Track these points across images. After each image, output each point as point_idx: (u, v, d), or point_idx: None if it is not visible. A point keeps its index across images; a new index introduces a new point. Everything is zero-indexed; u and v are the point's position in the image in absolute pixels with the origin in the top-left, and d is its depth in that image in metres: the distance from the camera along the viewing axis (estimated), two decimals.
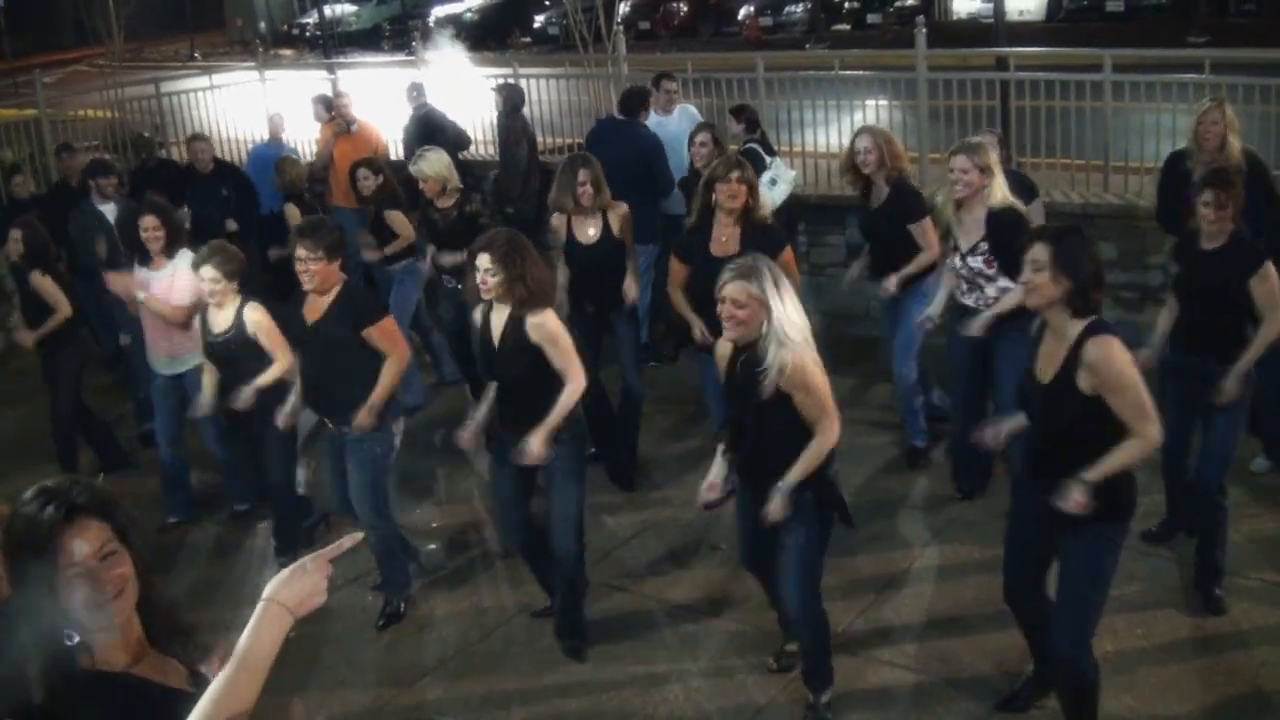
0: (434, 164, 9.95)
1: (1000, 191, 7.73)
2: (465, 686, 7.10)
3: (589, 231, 8.86)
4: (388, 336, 7.42)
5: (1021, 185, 9.26)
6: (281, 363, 7.99)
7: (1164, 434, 5.46)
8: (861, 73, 14.92)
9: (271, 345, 8.03)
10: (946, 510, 8.49)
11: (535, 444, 6.67)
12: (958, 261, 7.89)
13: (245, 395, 8.04)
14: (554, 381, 6.79)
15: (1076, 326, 5.28)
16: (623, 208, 8.94)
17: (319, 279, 7.29)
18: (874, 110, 13.34)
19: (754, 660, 6.87)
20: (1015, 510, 6.06)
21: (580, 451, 7.14)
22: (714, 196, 8.05)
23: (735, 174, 8.00)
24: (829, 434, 5.91)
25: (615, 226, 8.86)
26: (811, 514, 6.08)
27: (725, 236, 8.08)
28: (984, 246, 7.72)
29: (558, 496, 6.99)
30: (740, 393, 6.01)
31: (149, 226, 8.93)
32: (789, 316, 5.80)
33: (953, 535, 8.16)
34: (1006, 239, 7.40)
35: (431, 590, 8.11)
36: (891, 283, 8.64)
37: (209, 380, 8.40)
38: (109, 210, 11.61)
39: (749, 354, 5.88)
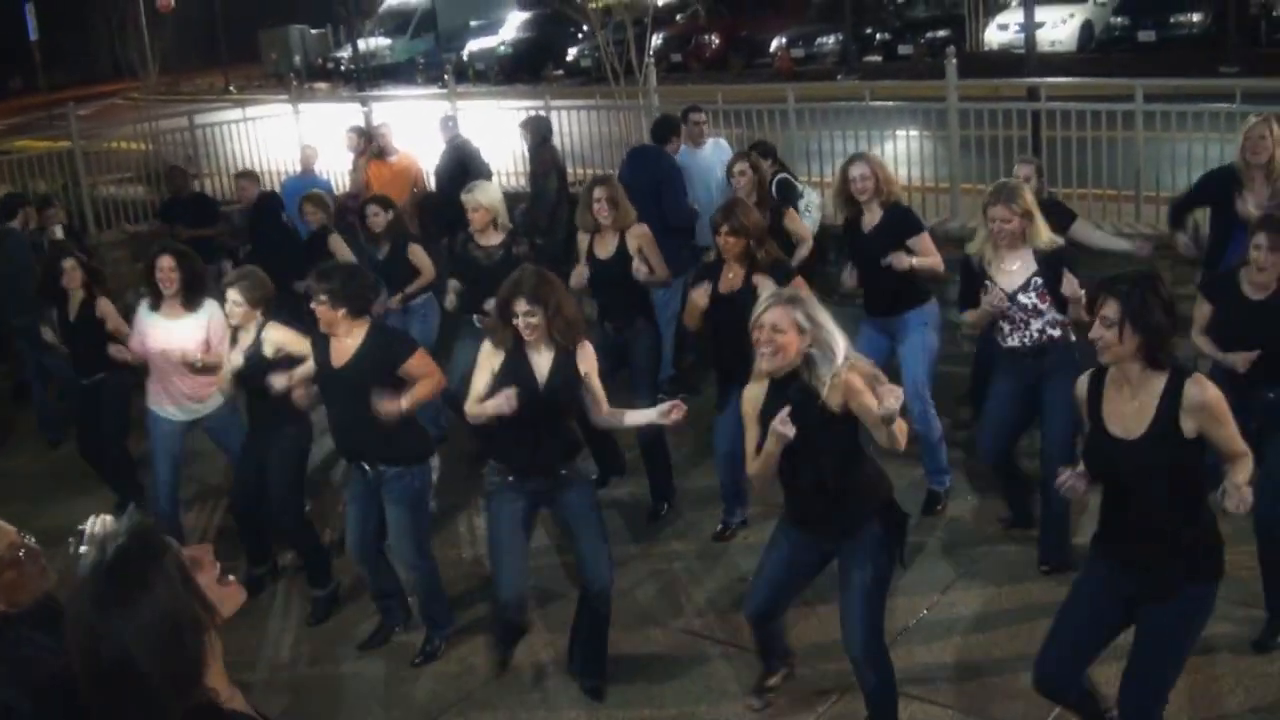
0: (490, 193, 9.83)
1: (1045, 233, 7.52)
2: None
3: (608, 249, 8.98)
4: (425, 366, 7.34)
5: (1059, 211, 9.39)
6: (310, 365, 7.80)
7: None
8: (892, 103, 14.91)
9: (301, 351, 7.83)
10: (979, 548, 8.36)
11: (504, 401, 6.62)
12: (1005, 303, 7.60)
13: (278, 380, 7.86)
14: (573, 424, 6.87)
15: (1158, 378, 5.12)
16: (642, 228, 9.03)
17: (323, 322, 7.21)
18: (905, 140, 13.35)
19: (787, 695, 6.80)
20: (1081, 586, 5.69)
21: (592, 489, 7.12)
22: None
23: (724, 228, 7.98)
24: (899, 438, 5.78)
25: (632, 245, 8.96)
26: (881, 548, 6.01)
27: (732, 273, 8.09)
28: (1038, 283, 7.49)
29: (587, 532, 6.92)
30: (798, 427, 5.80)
31: (165, 267, 8.72)
32: (834, 334, 5.73)
33: (983, 571, 8.04)
34: (1060, 277, 7.43)
35: (468, 628, 8.03)
36: (903, 259, 8.41)
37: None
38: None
39: (795, 383, 5.77)
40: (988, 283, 7.58)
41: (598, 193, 8.87)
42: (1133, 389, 5.16)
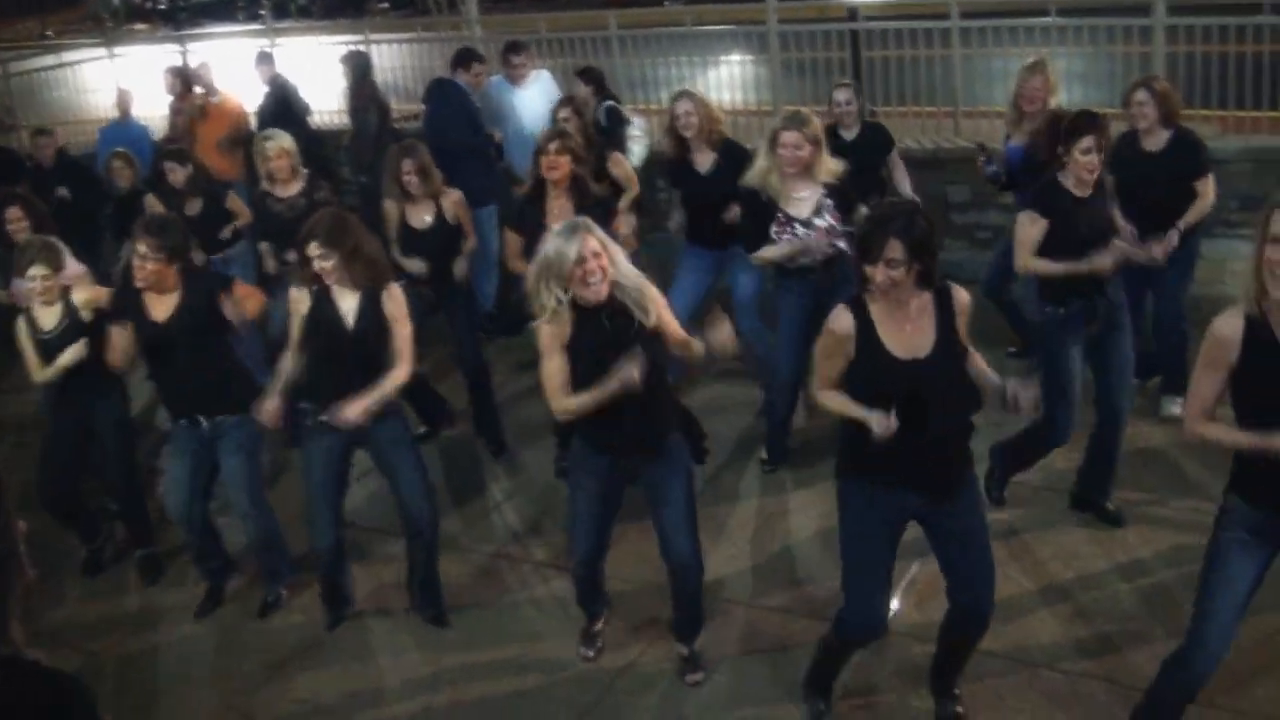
0: (288, 138, 9.54)
1: (829, 164, 7.67)
2: (336, 666, 7.05)
3: (424, 218, 8.77)
4: (246, 293, 7.23)
5: (880, 134, 9.75)
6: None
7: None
8: (714, 28, 14.93)
9: (108, 303, 7.48)
10: (817, 464, 8.41)
11: (355, 409, 6.54)
12: (800, 230, 7.66)
13: (62, 362, 7.49)
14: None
15: (925, 296, 5.18)
16: (456, 194, 8.85)
17: (156, 278, 6.95)
18: (728, 65, 13.39)
19: (623, 617, 6.93)
20: (868, 521, 5.42)
21: (404, 425, 7.04)
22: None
23: (554, 145, 8.01)
24: (696, 344, 5.93)
25: (449, 213, 8.79)
26: (688, 460, 6.18)
27: (558, 208, 8.07)
28: (828, 203, 7.62)
29: (402, 465, 6.92)
30: (606, 355, 5.74)
31: (13, 218, 8.64)
32: (624, 260, 5.77)
33: (820, 477, 8.06)
34: (847, 207, 7.67)
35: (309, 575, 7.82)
36: (734, 213, 8.45)
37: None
38: None
39: (605, 308, 5.70)
40: (791, 231, 7.69)
41: (406, 165, 8.62)
42: (906, 312, 5.16)
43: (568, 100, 10.04)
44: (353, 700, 6.72)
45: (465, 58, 11.69)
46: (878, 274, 5.01)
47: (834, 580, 5.75)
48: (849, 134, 9.63)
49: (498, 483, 8.96)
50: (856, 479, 5.40)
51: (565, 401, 5.79)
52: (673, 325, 5.90)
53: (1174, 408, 8.41)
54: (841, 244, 7.59)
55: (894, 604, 6.73)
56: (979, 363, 5.32)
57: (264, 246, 9.68)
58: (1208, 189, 8.16)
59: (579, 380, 5.74)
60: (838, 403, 5.31)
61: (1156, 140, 8.20)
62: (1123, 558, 7.14)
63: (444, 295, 8.92)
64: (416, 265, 8.71)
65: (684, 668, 6.52)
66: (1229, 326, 4.54)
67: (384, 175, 8.84)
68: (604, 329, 5.70)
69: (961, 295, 5.25)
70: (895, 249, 4.96)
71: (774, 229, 7.68)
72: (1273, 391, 4.53)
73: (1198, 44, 10.84)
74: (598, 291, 5.62)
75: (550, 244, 5.64)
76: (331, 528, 6.97)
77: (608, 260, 5.63)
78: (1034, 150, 8.43)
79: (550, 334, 5.74)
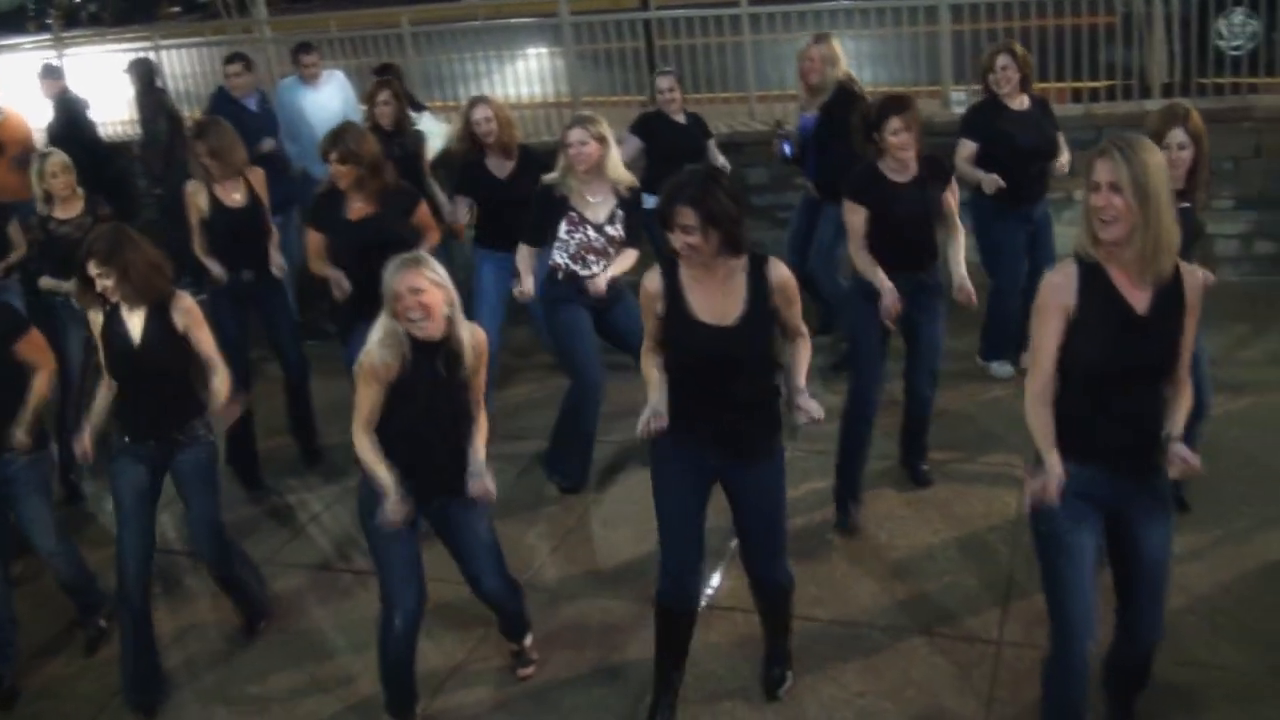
0: (67, 156, 9.07)
1: (617, 164, 7.73)
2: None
3: (235, 197, 8.58)
4: (40, 348, 6.90)
5: (703, 123, 10.14)
6: None
7: None
8: (508, 21, 14.95)
9: None
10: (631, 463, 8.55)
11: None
12: (592, 234, 7.71)
13: None
14: (193, 376, 6.64)
15: (738, 265, 5.26)
16: (259, 172, 8.79)
17: None
18: (523, 59, 13.46)
19: (446, 625, 6.93)
20: (674, 481, 5.57)
21: (208, 454, 6.78)
22: None
23: (332, 155, 7.86)
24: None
25: (259, 190, 8.69)
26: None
27: (359, 202, 7.99)
28: (620, 214, 7.72)
29: (197, 497, 6.75)
30: (434, 395, 5.70)
31: None
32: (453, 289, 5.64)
33: (630, 476, 8.31)
34: (636, 213, 7.82)
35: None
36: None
37: None
38: None
39: (444, 348, 5.61)
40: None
41: (199, 147, 8.45)
42: (718, 280, 5.26)
43: (385, 84, 10.06)
44: None
45: (225, 63, 11.60)
46: (676, 240, 5.15)
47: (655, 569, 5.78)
48: (680, 119, 9.95)
49: (314, 493, 8.88)
50: (661, 438, 5.39)
51: (361, 438, 5.71)
52: (482, 386, 5.88)
53: None
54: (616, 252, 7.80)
55: (715, 578, 6.92)
56: (803, 363, 5.54)
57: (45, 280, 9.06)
58: (1063, 144, 8.90)
59: (395, 418, 5.67)
60: (652, 377, 5.44)
61: (1021, 102, 8.73)
62: (935, 515, 7.44)
63: (261, 285, 8.75)
64: (216, 269, 8.55)
65: (515, 663, 6.56)
66: (1060, 274, 4.62)
67: (189, 157, 8.65)
68: (436, 371, 5.62)
69: (779, 272, 5.33)
70: (687, 216, 5.06)
71: (565, 227, 7.72)
72: (1109, 336, 4.55)
73: (982, 21, 11.20)
74: (422, 329, 5.49)
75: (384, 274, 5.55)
76: (139, 559, 6.64)
77: (439, 300, 5.50)
78: (827, 118, 8.93)
79: (378, 364, 5.58)
